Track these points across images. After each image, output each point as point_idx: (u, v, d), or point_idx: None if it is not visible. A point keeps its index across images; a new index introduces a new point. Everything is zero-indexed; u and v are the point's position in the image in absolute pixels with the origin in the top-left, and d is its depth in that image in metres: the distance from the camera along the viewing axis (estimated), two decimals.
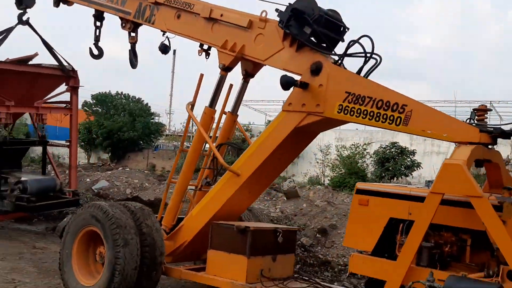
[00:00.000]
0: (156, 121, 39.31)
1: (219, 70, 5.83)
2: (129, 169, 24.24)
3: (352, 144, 26.04)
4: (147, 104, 37.87)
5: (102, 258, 5.30)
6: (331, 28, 5.20)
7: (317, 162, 27.44)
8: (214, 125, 6.36)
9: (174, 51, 46.44)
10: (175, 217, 6.08)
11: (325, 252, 9.56)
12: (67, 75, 10.10)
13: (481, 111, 4.34)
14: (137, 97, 38.15)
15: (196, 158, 6.02)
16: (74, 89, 10.29)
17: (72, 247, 5.49)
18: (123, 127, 33.60)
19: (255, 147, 5.40)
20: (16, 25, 9.44)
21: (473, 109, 4.35)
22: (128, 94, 38.25)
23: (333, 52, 5.20)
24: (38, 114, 9.69)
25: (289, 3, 5.13)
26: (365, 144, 26.02)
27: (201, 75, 6.10)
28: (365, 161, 24.83)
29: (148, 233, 5.25)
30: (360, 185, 4.76)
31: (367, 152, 25.12)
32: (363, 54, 4.85)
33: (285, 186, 15.51)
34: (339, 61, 5.06)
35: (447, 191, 3.89)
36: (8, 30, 9.41)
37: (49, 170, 11.86)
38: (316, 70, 4.98)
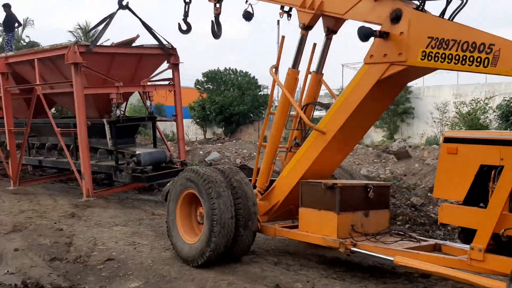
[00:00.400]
0: (264, 93, 40.02)
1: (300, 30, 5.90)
2: (241, 141, 25.16)
3: (472, 100, 24.39)
4: (254, 77, 38.66)
5: (202, 218, 5.70)
6: None
7: (434, 122, 26.15)
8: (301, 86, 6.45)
9: (278, 21, 46.38)
10: (268, 179, 6.32)
11: (438, 211, 9.28)
12: (167, 53, 10.76)
13: None
14: (244, 71, 39.04)
15: (283, 120, 6.18)
16: (175, 66, 10.96)
17: (175, 212, 5.99)
18: (234, 102, 34.77)
19: (339, 104, 5.41)
20: (117, 10, 10.25)
21: None
22: (235, 69, 39.31)
23: None
24: (145, 92, 10.49)
25: None
26: (486, 98, 24.22)
27: (283, 37, 6.21)
28: (487, 116, 23.19)
29: (238, 186, 5.62)
30: (448, 133, 4.59)
31: (489, 107, 23.41)
32: None
33: (395, 147, 15.13)
34: (421, 6, 4.87)
35: None
36: (110, 16, 10.23)
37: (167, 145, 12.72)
38: (396, 17, 4.85)
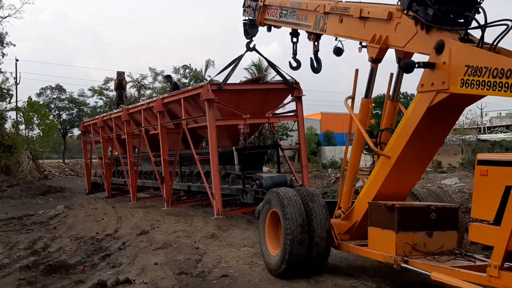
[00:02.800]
0: None
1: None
2: None
3: None
4: None
5: None
6: (458, 2, 5.41)
7: None
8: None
9: None
10: (350, 200, 7.02)
11: None
12: (291, 87, 11.99)
13: None
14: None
15: (360, 146, 6.85)
16: (298, 99, 12.17)
17: (264, 229, 7.08)
18: None
19: (399, 129, 5.97)
20: (245, 52, 11.77)
21: None
22: (406, 92, 38.79)
23: (458, 27, 5.37)
24: (269, 122, 11.83)
25: None
26: None
27: (356, 71, 6.95)
28: None
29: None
30: (480, 156, 4.86)
31: None
32: (483, 25, 5.01)
33: None
34: (465, 36, 5.26)
35: None
36: (239, 58, 11.83)
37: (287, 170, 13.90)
38: (439, 48, 5.35)
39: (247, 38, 11.29)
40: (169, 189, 14.03)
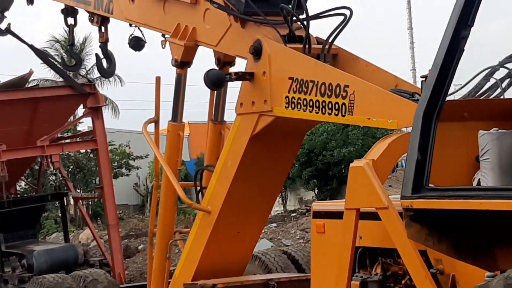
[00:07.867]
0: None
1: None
2: None
3: None
4: None
5: None
6: None
7: None
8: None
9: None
10: (163, 281, 8.24)
11: None
12: (80, 92, 12.52)
13: None
14: None
15: (172, 196, 8.03)
16: (95, 111, 12.64)
17: None
18: (329, 143, 35.62)
19: (218, 171, 7.21)
20: None
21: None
22: None
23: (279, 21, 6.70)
24: (45, 156, 12.31)
25: None
26: None
27: (158, 78, 8.18)
28: None
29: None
30: (316, 205, 6.32)
31: None
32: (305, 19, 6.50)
33: None
34: (290, 34, 6.63)
35: (360, 205, 5.21)
36: None
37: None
38: (255, 52, 6.60)
39: None
40: None
